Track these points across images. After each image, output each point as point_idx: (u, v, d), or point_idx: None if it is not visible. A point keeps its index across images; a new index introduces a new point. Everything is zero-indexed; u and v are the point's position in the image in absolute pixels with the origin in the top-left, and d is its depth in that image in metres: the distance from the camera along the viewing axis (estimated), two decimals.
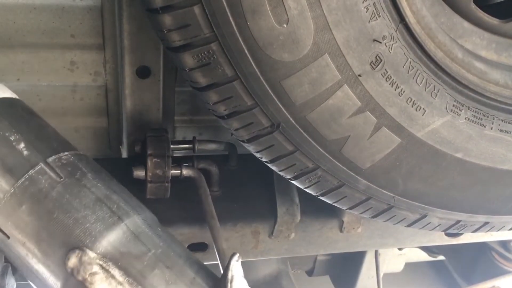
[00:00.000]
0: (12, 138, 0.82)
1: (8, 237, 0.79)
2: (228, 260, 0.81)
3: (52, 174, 0.81)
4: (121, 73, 1.27)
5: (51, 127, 0.92)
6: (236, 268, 0.80)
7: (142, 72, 1.27)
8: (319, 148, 0.92)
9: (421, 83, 0.90)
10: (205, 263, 1.37)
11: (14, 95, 0.93)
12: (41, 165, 0.81)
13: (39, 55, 1.27)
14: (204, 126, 1.54)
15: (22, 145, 0.82)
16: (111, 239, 0.78)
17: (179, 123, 1.50)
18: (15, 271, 1.09)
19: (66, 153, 0.85)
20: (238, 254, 0.83)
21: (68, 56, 1.29)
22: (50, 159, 0.82)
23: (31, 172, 0.80)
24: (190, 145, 1.32)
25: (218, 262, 1.17)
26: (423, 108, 0.92)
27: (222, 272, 1.15)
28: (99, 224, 0.78)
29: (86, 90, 1.36)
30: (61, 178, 0.81)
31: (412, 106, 0.91)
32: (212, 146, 1.35)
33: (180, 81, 1.40)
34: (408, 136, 0.93)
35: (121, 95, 1.33)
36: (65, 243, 0.77)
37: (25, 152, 0.82)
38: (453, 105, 0.93)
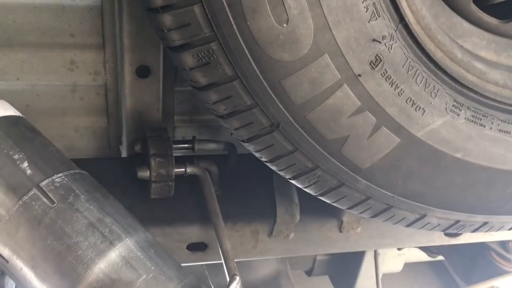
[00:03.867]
0: (16, 157, 0.83)
1: (7, 261, 0.80)
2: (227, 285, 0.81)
3: (45, 199, 0.81)
4: (121, 72, 1.27)
5: (53, 144, 0.92)
6: None
7: (142, 72, 1.27)
8: (318, 147, 0.92)
9: (420, 83, 0.90)
10: (204, 263, 1.38)
11: (17, 113, 0.94)
12: (34, 190, 0.81)
13: (39, 55, 1.27)
14: (204, 126, 1.54)
15: (25, 164, 0.83)
16: (102, 266, 0.79)
17: (179, 123, 1.51)
18: None
19: (60, 174, 0.85)
20: (237, 280, 0.83)
21: (68, 56, 1.29)
22: (43, 183, 0.82)
23: (25, 198, 0.80)
24: (190, 145, 1.32)
25: (222, 261, 1.17)
26: (423, 108, 0.92)
27: (226, 272, 1.15)
28: (91, 251, 0.79)
29: (86, 89, 1.36)
30: (54, 203, 0.81)
31: (411, 106, 0.91)
32: (211, 146, 1.35)
33: (179, 80, 1.40)
34: (408, 136, 0.93)
35: (120, 95, 1.34)
36: (59, 269, 0.78)
37: (28, 171, 0.82)
38: (453, 105, 0.93)
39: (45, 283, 0.78)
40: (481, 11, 0.92)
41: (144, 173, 1.17)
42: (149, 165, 1.16)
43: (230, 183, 1.35)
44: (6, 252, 0.80)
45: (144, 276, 0.80)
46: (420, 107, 0.91)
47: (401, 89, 0.89)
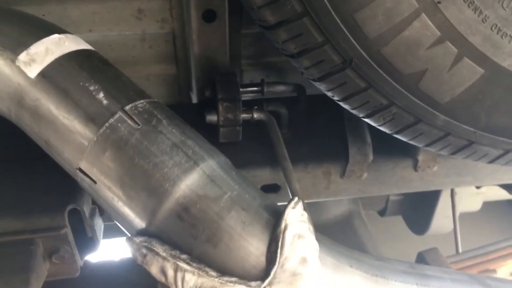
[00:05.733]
0: (91, 88, 0.85)
1: (95, 182, 0.84)
2: (284, 207, 0.81)
3: (130, 122, 0.83)
4: (187, 18, 1.27)
5: (126, 76, 0.95)
6: (292, 216, 0.80)
7: (208, 16, 1.25)
8: (394, 83, 0.88)
9: (507, 7, 0.82)
10: (278, 203, 1.40)
11: (89, 47, 0.96)
12: (120, 113, 0.83)
13: (108, 5, 1.29)
14: (271, 68, 1.52)
15: (101, 94, 0.85)
16: (188, 182, 0.80)
17: (246, 66, 1.50)
18: (102, 212, 1.17)
19: (141, 101, 0.87)
20: (296, 200, 0.82)
21: (135, 4, 1.30)
22: (127, 107, 0.84)
23: (111, 120, 0.83)
24: (259, 88, 1.31)
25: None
26: (510, 35, 0.84)
27: None
28: (176, 169, 0.81)
29: (154, 37, 1.37)
30: (139, 125, 0.83)
31: (497, 34, 0.84)
32: (280, 88, 1.34)
33: (245, 23, 1.38)
34: (493, 66, 0.87)
35: (188, 41, 1.34)
36: (147, 187, 0.80)
37: (105, 102, 0.85)
38: None
39: (133, 201, 0.81)
40: None
41: (212, 117, 1.19)
42: (217, 109, 1.17)
43: (301, 125, 1.34)
44: (94, 173, 0.83)
45: (229, 193, 0.81)
46: (506, 34, 0.84)
47: (486, 15, 0.82)
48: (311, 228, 0.82)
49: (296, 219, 0.79)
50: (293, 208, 0.80)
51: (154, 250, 0.78)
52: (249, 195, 0.84)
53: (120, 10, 1.30)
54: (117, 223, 0.89)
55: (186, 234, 0.79)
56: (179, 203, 0.79)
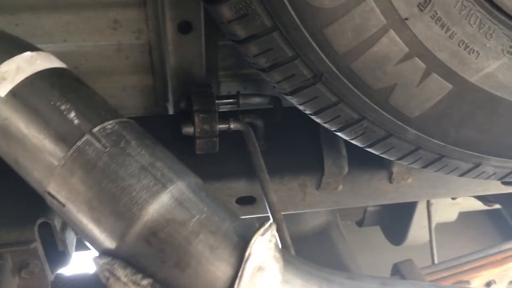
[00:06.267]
0: (63, 107, 0.85)
1: (64, 205, 0.83)
2: (254, 231, 0.79)
3: (98, 144, 0.83)
4: (163, 29, 1.27)
5: (98, 94, 0.94)
6: (258, 244, 0.78)
7: (184, 27, 1.25)
8: (364, 98, 0.89)
9: (474, 24, 0.84)
10: (253, 216, 1.40)
11: (62, 64, 0.95)
12: (88, 136, 0.83)
13: (83, 15, 1.28)
14: (249, 80, 1.53)
15: (72, 114, 0.84)
16: (156, 206, 0.80)
17: (223, 78, 1.50)
18: None
19: (111, 121, 0.86)
20: (266, 226, 0.80)
21: (111, 15, 1.29)
22: (95, 129, 0.84)
23: (79, 143, 0.82)
24: (235, 100, 1.31)
25: (269, 214, 1.19)
26: (477, 51, 0.86)
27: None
28: (144, 192, 0.80)
29: (130, 48, 1.37)
30: (107, 148, 0.83)
31: (464, 50, 0.85)
32: (256, 100, 1.34)
33: (222, 35, 1.38)
34: (461, 82, 0.88)
35: (164, 52, 1.34)
36: (115, 211, 0.80)
37: (76, 121, 0.84)
38: (510, 46, 0.86)
39: (102, 225, 0.81)
40: None
41: (188, 129, 1.18)
42: (193, 121, 1.17)
43: (277, 136, 1.34)
44: (62, 196, 0.82)
45: (198, 217, 0.81)
46: (473, 50, 0.86)
47: (453, 31, 0.83)
48: (278, 255, 0.82)
49: (262, 247, 0.79)
50: (262, 235, 0.80)
51: (115, 274, 0.77)
52: (218, 217, 0.83)
53: (95, 21, 1.29)
54: (89, 246, 0.88)
55: (155, 258, 0.78)
56: (147, 227, 0.79)
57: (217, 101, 1.24)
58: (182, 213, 0.80)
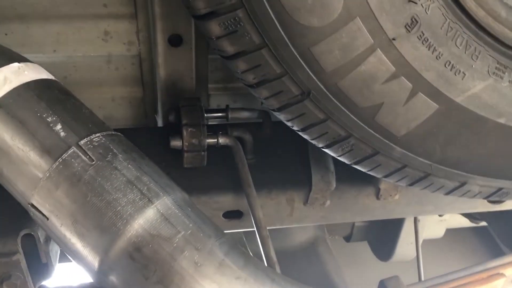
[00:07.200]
0: (49, 119, 0.84)
1: (47, 218, 0.82)
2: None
3: (84, 157, 0.82)
4: (154, 41, 1.27)
5: (86, 107, 0.93)
6: None
7: (174, 40, 1.26)
8: (351, 116, 0.89)
9: (460, 45, 0.85)
10: (240, 230, 1.39)
11: (50, 76, 0.95)
12: (74, 148, 0.82)
13: (73, 26, 1.28)
14: (239, 94, 1.53)
15: (59, 126, 0.84)
16: (141, 221, 0.79)
17: (214, 91, 1.50)
18: None
19: (98, 134, 0.86)
20: None
21: (101, 26, 1.30)
22: (82, 142, 0.83)
23: (65, 155, 0.81)
24: (224, 114, 1.31)
25: (255, 229, 1.18)
26: (463, 72, 0.87)
27: (259, 240, 1.16)
28: (130, 207, 0.80)
29: (120, 60, 1.37)
30: (93, 161, 0.82)
31: (450, 70, 0.86)
32: (245, 114, 1.34)
33: (213, 48, 1.39)
34: (447, 102, 0.89)
35: (154, 64, 1.34)
36: (99, 225, 0.79)
37: (62, 134, 0.83)
38: (496, 68, 0.88)
39: (85, 239, 0.80)
40: None
41: (176, 143, 1.18)
42: (181, 135, 1.17)
43: (265, 151, 1.34)
44: (46, 209, 0.81)
45: (183, 233, 0.80)
46: (460, 71, 0.87)
47: (439, 52, 0.84)
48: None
49: None
50: None
51: None
52: (203, 233, 0.83)
53: (86, 32, 1.29)
54: (71, 259, 0.87)
55: (138, 274, 0.78)
56: (131, 242, 0.78)
57: (206, 115, 1.24)
58: (167, 228, 0.80)
